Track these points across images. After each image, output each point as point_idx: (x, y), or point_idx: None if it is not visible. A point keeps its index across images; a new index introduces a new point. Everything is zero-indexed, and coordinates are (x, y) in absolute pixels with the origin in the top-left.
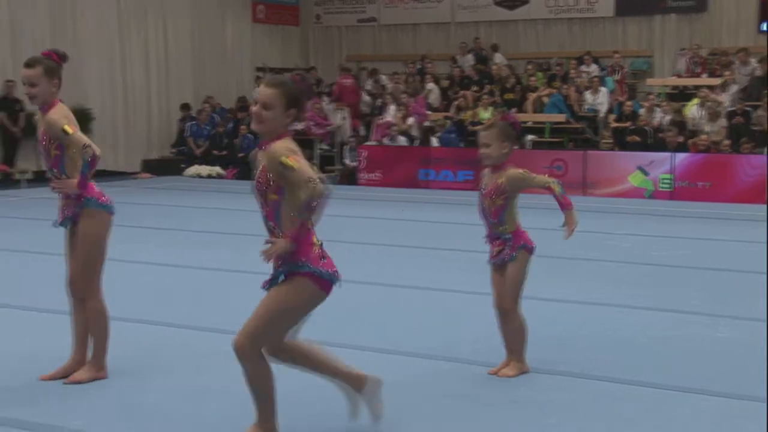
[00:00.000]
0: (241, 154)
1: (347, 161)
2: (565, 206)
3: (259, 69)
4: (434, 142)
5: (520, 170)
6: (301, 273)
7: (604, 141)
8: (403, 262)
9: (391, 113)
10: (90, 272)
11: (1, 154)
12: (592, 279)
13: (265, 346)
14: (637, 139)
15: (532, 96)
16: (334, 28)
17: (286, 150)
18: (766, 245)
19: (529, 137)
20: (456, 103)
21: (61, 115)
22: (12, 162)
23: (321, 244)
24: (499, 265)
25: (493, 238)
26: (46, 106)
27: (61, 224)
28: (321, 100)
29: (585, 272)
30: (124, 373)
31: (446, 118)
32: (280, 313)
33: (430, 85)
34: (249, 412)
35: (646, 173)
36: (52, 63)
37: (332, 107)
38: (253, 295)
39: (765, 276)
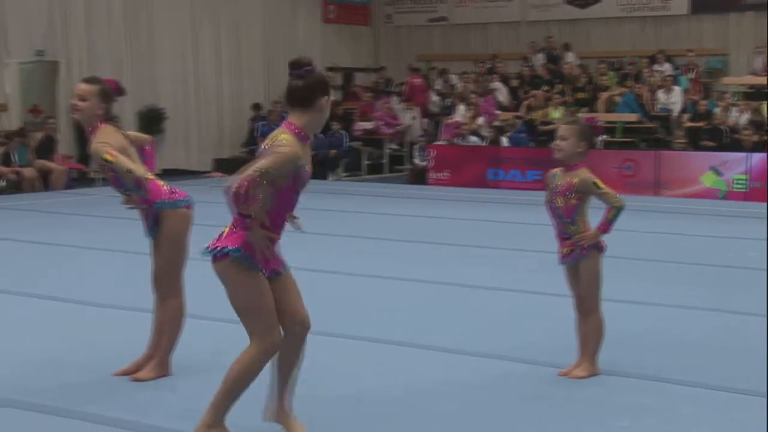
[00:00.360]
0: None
1: (417, 161)
2: (601, 227)
3: (329, 69)
4: (504, 141)
5: (594, 178)
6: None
7: (677, 141)
8: (473, 262)
9: (461, 113)
10: (172, 270)
11: (78, 154)
12: (664, 280)
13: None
14: (711, 143)
15: (603, 95)
16: (404, 28)
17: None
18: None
19: (601, 137)
20: (526, 102)
21: (102, 141)
22: (88, 161)
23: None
24: (571, 266)
25: (563, 237)
26: (90, 129)
27: (150, 235)
28: (391, 99)
29: (656, 273)
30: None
31: (516, 117)
32: None
33: (496, 84)
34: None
35: (719, 174)
36: (109, 89)
37: (402, 107)
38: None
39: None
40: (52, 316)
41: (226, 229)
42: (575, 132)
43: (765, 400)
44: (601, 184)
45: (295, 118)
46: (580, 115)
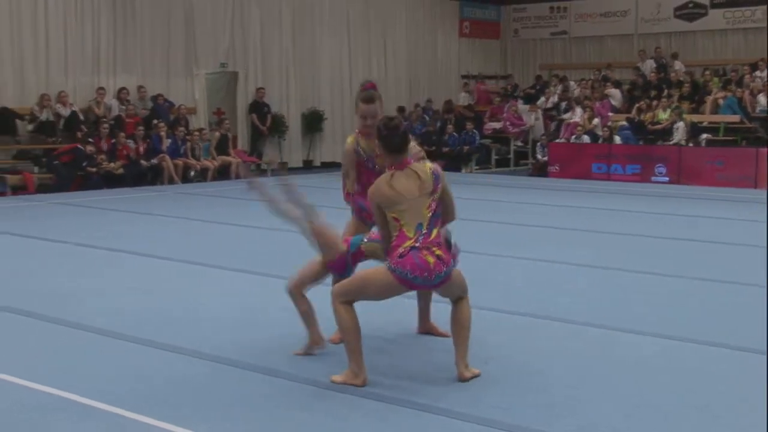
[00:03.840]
0: (445, 149)
1: (539, 156)
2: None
3: (463, 77)
4: (617, 139)
5: None
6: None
7: None
8: (580, 244)
9: (578, 115)
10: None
11: (251, 149)
12: None
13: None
14: None
15: (708, 99)
16: (530, 41)
17: None
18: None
19: (704, 136)
20: (638, 105)
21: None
22: (260, 154)
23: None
24: None
25: None
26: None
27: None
28: (517, 102)
29: None
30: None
31: (628, 119)
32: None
33: (612, 90)
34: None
35: None
36: (378, 93)
37: (526, 108)
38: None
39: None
40: (250, 285)
41: (439, 251)
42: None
43: None
44: None
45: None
46: (685, 116)
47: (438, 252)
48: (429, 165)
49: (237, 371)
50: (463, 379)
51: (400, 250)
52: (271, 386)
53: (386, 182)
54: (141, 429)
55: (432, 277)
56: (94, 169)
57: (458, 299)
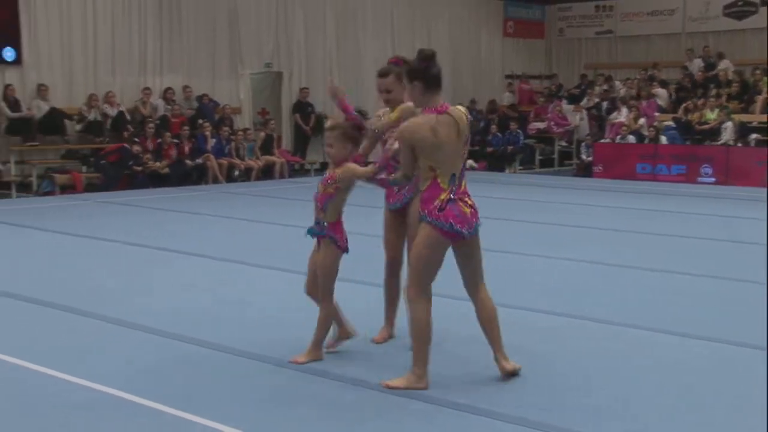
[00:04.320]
0: (489, 149)
1: (583, 156)
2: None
3: (507, 77)
4: (663, 139)
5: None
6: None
7: None
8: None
9: (624, 115)
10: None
11: (294, 149)
12: None
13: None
14: None
15: (759, 98)
16: (574, 40)
17: None
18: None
19: (753, 136)
20: (684, 105)
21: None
22: (304, 154)
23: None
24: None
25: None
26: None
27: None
28: (561, 102)
29: None
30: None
31: (674, 119)
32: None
33: (658, 90)
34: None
35: None
36: (400, 69)
37: (571, 108)
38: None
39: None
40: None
41: (471, 201)
42: (338, 137)
43: None
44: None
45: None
46: (734, 116)
47: (470, 202)
48: (463, 109)
49: (283, 371)
50: (506, 372)
51: (437, 203)
52: (318, 386)
53: (430, 126)
54: (184, 425)
55: (471, 229)
56: (139, 168)
57: (477, 290)
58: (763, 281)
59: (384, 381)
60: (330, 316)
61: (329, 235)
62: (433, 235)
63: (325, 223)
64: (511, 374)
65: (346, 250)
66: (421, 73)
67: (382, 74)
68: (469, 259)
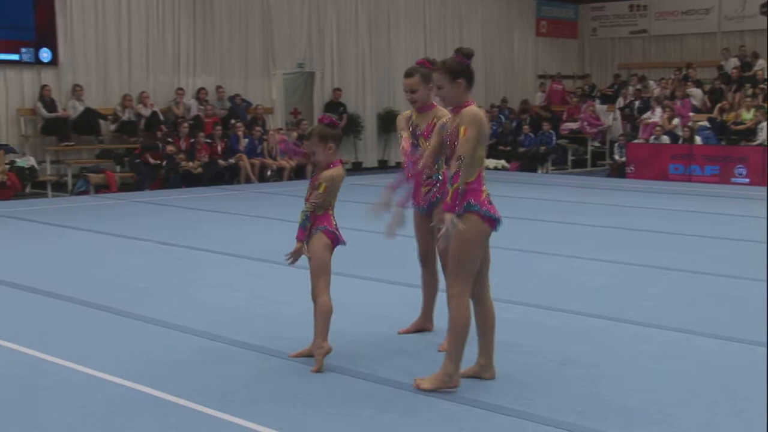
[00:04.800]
0: (521, 149)
1: (616, 157)
2: None
3: (540, 76)
4: (698, 140)
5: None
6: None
7: None
8: (660, 246)
9: (657, 115)
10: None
11: None
12: None
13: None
14: None
15: None
16: (608, 40)
17: None
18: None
19: None
20: (719, 105)
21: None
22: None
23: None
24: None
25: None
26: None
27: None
28: (594, 102)
29: None
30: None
31: (709, 119)
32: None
33: (693, 90)
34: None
35: None
36: (426, 70)
37: (604, 108)
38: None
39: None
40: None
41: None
42: (316, 141)
43: None
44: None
45: None
46: (757, 113)
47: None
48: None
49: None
50: (477, 377)
51: (485, 196)
52: (349, 386)
53: (484, 117)
54: (218, 424)
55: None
56: (164, 162)
57: (484, 293)
58: None
59: (416, 380)
60: (326, 306)
61: (316, 225)
62: (480, 226)
63: (315, 214)
64: (481, 378)
65: (339, 239)
66: (466, 71)
67: (408, 74)
68: (483, 256)
